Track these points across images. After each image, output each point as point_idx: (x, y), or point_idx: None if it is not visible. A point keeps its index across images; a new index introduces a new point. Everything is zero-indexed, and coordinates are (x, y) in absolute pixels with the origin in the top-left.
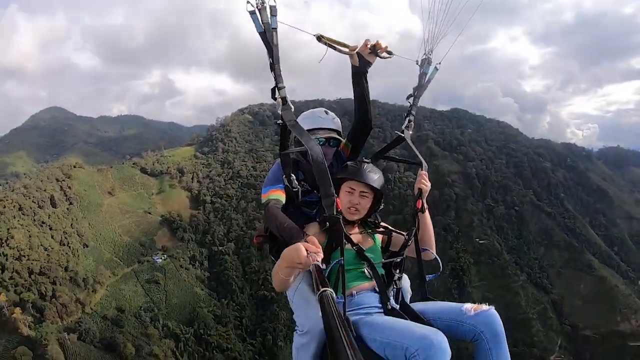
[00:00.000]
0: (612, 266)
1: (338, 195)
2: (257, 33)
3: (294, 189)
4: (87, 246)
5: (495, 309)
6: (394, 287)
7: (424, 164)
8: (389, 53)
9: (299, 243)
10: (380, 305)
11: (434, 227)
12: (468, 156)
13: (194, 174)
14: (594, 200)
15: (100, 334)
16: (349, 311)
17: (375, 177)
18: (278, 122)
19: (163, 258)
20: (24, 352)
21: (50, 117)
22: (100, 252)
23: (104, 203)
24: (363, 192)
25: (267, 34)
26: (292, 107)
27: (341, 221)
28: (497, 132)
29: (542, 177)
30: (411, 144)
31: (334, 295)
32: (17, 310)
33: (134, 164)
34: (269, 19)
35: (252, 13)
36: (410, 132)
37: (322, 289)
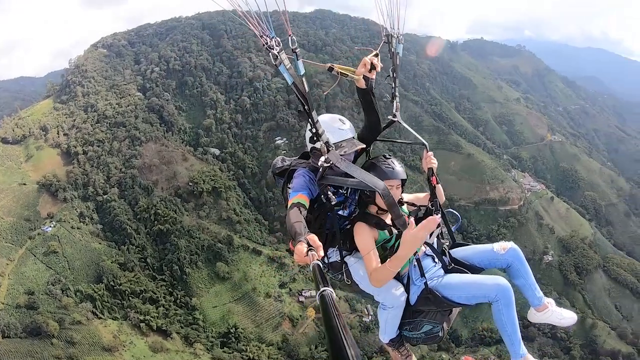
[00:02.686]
0: (478, 144)
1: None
2: (289, 85)
3: (332, 202)
4: None
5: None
6: (445, 251)
7: (427, 144)
8: (376, 55)
9: (300, 243)
10: (435, 263)
11: None
12: (334, 55)
13: (58, 128)
14: (459, 87)
15: (20, 324)
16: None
17: (403, 169)
18: (324, 164)
19: (52, 225)
20: None
21: None
22: None
23: None
24: (398, 185)
25: (297, 83)
26: (333, 147)
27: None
28: (362, 29)
29: (408, 69)
30: (408, 127)
31: (334, 294)
32: None
33: None
34: (296, 63)
35: (278, 65)
36: (398, 113)
37: (322, 288)
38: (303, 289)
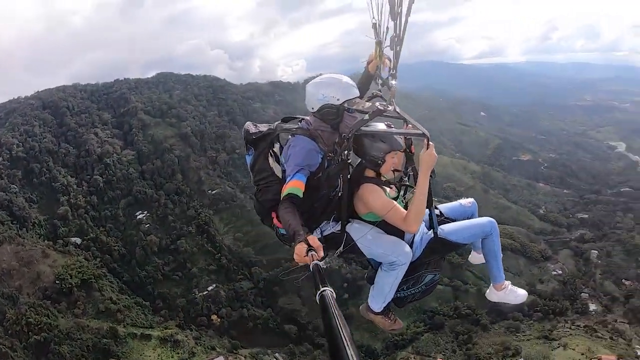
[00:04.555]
0: None
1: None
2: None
3: (349, 160)
4: None
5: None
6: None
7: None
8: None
9: (300, 244)
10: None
11: None
12: (181, 117)
13: None
14: None
15: None
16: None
17: None
18: (385, 108)
19: None
20: None
21: None
22: None
23: None
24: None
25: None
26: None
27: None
28: (205, 86)
29: (255, 117)
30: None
31: (334, 294)
32: None
33: None
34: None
35: None
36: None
37: (322, 288)
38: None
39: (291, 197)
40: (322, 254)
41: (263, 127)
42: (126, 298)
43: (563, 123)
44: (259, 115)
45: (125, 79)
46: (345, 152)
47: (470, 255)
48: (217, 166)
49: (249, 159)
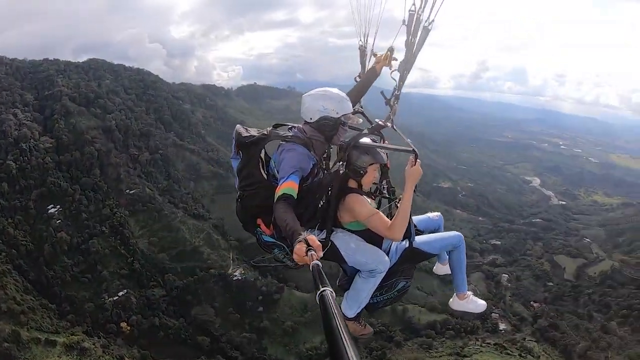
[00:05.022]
0: None
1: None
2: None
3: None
4: None
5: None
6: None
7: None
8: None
9: (299, 243)
10: None
11: None
12: (107, 109)
13: None
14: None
15: None
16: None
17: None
18: (387, 124)
19: None
20: None
21: None
22: None
23: None
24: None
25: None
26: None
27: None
28: (136, 80)
29: (183, 118)
30: (400, 132)
31: (334, 294)
32: None
33: None
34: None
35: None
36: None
37: (322, 288)
38: None
39: (286, 197)
40: (321, 254)
41: (254, 132)
42: (31, 299)
43: (483, 156)
44: (187, 116)
45: (54, 59)
46: (340, 162)
47: (435, 267)
48: (138, 165)
49: (235, 163)
